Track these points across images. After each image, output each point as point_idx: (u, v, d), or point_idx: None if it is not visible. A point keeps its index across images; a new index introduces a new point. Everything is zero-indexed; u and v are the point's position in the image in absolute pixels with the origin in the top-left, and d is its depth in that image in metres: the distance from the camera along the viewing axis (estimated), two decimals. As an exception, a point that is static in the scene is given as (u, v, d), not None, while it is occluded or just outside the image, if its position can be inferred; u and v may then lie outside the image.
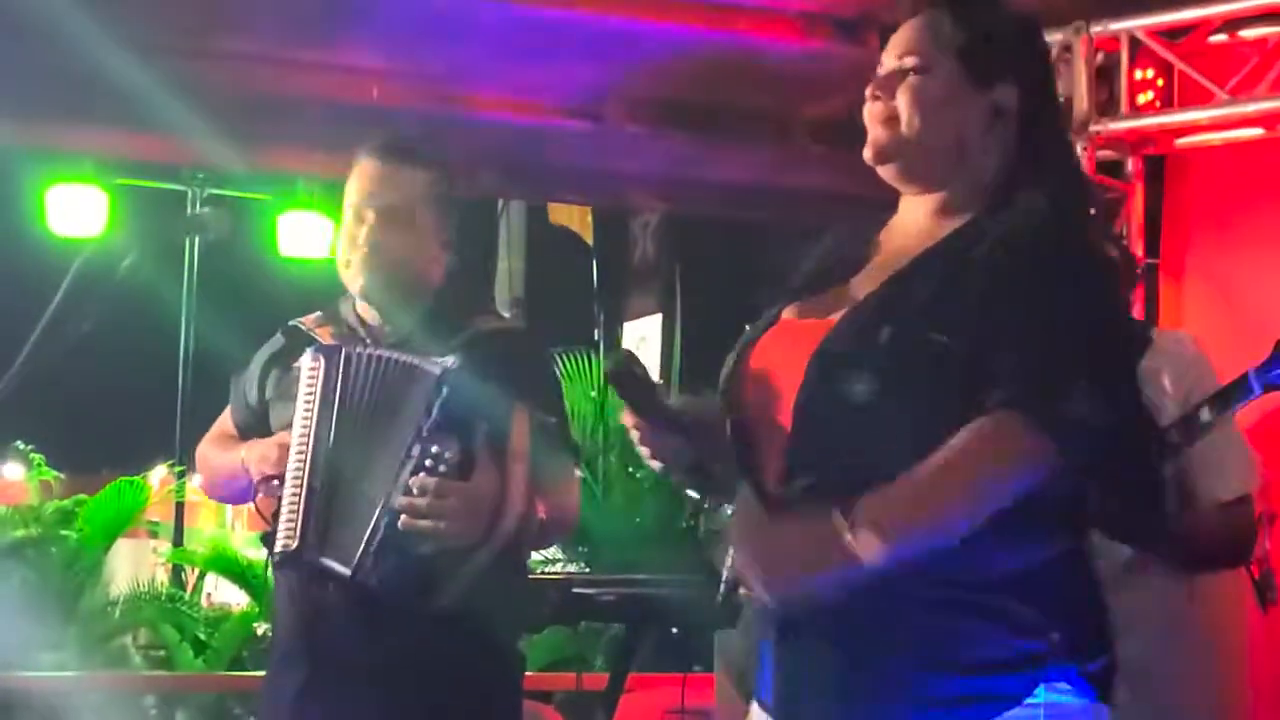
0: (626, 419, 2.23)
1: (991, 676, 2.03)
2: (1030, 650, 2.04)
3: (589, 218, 12.39)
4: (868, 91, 2.28)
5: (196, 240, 7.19)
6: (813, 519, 2.02)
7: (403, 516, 2.86)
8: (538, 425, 3.04)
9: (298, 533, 2.90)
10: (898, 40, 2.28)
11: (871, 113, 2.27)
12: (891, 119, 2.24)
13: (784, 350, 2.20)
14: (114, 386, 10.34)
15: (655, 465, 2.26)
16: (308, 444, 2.92)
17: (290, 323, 3.15)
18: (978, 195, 2.23)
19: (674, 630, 3.94)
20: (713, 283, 11.90)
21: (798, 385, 2.12)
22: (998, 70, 2.24)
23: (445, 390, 2.88)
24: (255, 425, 3.14)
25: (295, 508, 2.90)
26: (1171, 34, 6.36)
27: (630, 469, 9.55)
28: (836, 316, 2.17)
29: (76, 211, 8.88)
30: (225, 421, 3.25)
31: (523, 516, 3.01)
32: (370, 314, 3.14)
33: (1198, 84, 6.28)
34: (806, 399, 2.12)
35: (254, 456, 3.03)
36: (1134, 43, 6.36)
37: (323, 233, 9.28)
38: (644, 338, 12.73)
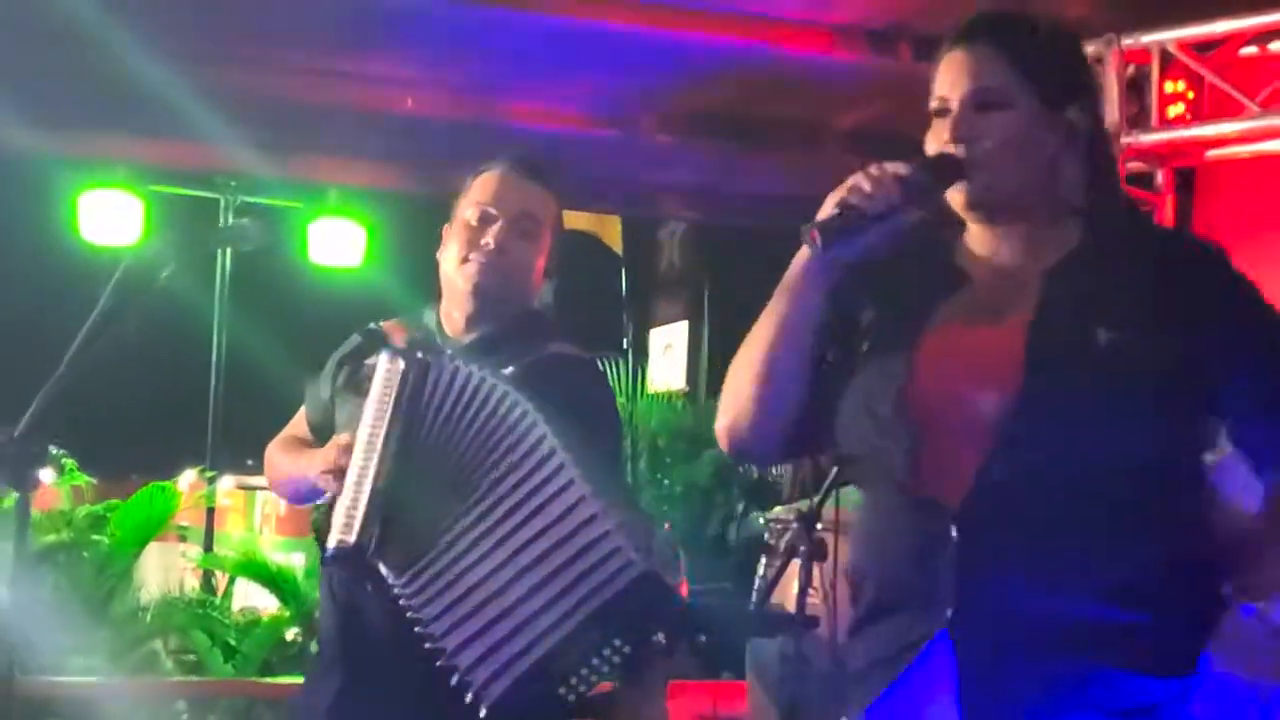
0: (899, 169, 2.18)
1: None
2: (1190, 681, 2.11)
3: (617, 226, 12.38)
4: (945, 134, 2.18)
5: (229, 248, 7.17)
6: None
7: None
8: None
9: (355, 529, 2.77)
10: (961, 73, 2.19)
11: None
12: (980, 162, 2.16)
13: (967, 358, 2.15)
14: (144, 392, 10.33)
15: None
16: (374, 449, 2.80)
17: (369, 325, 3.11)
18: (1063, 211, 2.22)
19: (703, 638, 3.95)
20: (739, 291, 11.87)
21: (992, 392, 2.09)
22: (1070, 91, 2.20)
23: (644, 589, 2.74)
24: (327, 423, 3.10)
25: (355, 506, 2.78)
26: (1202, 47, 6.37)
27: (659, 476, 9.54)
28: (1013, 323, 2.15)
29: (109, 218, 8.91)
30: (299, 422, 3.23)
31: None
32: (454, 320, 3.09)
33: (1228, 96, 6.29)
34: (1022, 404, 2.07)
35: (315, 461, 2.97)
36: (1165, 55, 6.37)
37: (354, 241, 9.32)
38: (669, 344, 12.70)
